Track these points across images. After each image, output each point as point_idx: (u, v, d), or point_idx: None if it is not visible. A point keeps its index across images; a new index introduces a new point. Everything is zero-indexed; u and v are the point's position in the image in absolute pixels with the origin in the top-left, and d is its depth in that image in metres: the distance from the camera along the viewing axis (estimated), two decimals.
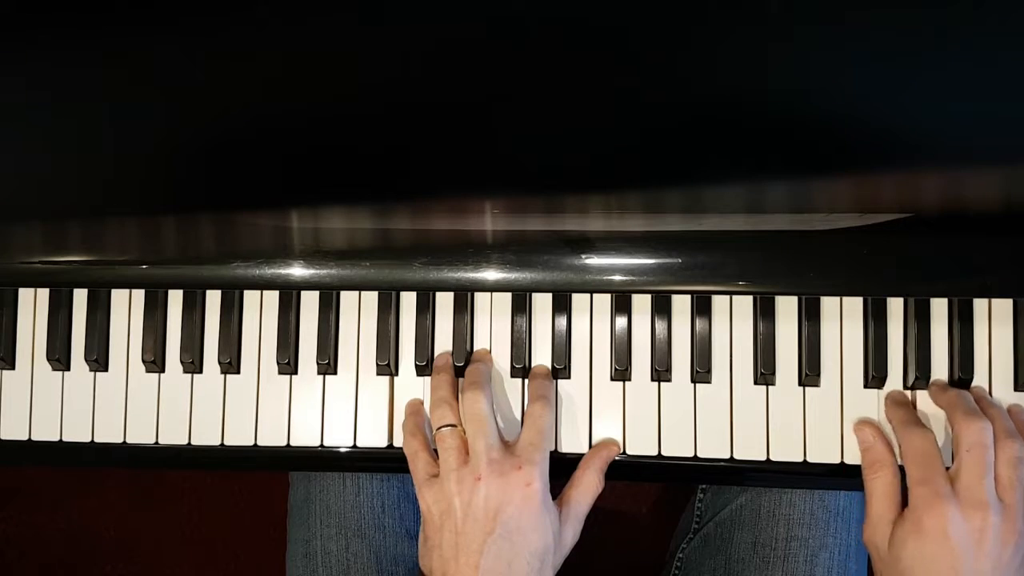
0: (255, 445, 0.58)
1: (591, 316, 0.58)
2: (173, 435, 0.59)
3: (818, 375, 0.56)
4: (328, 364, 0.58)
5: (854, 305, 0.57)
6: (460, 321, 0.58)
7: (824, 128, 0.50)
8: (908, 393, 0.56)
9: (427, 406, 0.57)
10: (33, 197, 0.54)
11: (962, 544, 0.48)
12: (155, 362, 0.58)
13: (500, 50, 0.50)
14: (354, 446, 0.58)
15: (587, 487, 0.55)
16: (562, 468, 0.56)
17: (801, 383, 0.57)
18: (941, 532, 0.48)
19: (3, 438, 0.60)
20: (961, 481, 0.50)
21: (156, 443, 0.59)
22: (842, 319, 0.57)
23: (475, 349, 0.58)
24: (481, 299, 0.58)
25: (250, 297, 0.59)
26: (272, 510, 1.10)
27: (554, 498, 0.54)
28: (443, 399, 0.54)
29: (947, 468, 0.51)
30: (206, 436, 0.58)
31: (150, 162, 0.53)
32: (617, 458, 0.57)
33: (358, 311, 0.59)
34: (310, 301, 0.58)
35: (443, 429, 0.53)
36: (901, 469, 0.53)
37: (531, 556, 0.50)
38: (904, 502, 0.52)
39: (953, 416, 0.53)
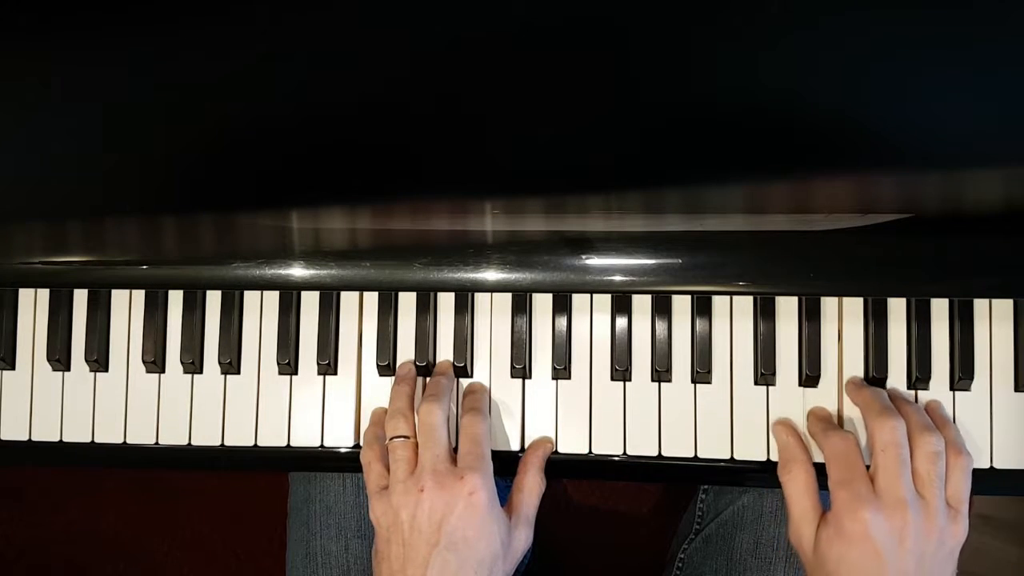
0: (255, 445, 0.58)
1: (591, 316, 0.58)
2: (173, 435, 0.59)
3: (818, 375, 0.56)
4: (328, 364, 0.58)
5: (854, 305, 0.57)
6: (460, 322, 0.58)
7: (824, 128, 0.50)
8: (831, 410, 0.57)
9: None
10: (33, 197, 0.54)
11: (885, 544, 0.48)
12: (155, 363, 0.58)
13: (500, 50, 0.50)
14: (354, 446, 0.58)
15: (530, 489, 0.55)
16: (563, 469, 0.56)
17: (801, 383, 0.57)
18: (863, 534, 0.48)
19: (3, 438, 0.60)
20: (879, 482, 0.50)
21: (156, 443, 0.59)
22: (842, 319, 0.57)
23: (439, 360, 0.58)
24: (481, 299, 0.58)
25: (250, 298, 0.59)
26: (272, 510, 1.10)
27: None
28: (399, 410, 0.55)
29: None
30: (206, 436, 0.58)
31: (150, 162, 0.53)
32: (617, 459, 0.57)
33: (359, 311, 0.59)
34: (310, 302, 0.58)
35: (395, 440, 0.54)
36: (817, 467, 0.53)
37: (479, 565, 0.50)
38: (824, 499, 0.52)
39: (867, 416, 0.53)
